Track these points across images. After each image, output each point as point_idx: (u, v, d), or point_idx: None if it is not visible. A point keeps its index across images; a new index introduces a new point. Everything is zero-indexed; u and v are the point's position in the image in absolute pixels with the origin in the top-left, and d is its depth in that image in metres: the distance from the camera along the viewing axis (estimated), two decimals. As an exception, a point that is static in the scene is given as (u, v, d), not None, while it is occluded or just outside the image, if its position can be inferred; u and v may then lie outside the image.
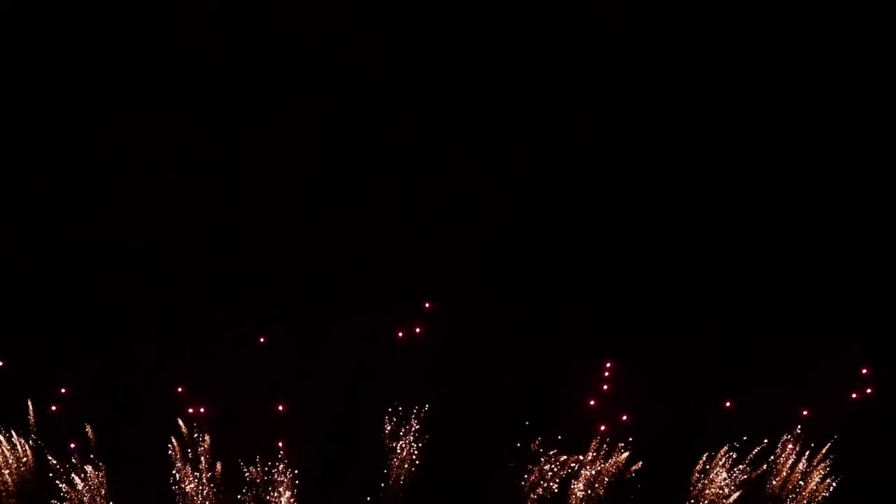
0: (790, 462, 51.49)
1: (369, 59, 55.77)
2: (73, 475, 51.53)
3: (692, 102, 54.32)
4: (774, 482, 51.51)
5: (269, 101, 55.77)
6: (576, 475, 52.13)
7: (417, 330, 53.29)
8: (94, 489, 51.58)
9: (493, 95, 55.45)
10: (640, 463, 51.98)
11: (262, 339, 53.01)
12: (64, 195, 55.09)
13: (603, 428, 51.96)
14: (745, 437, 51.61)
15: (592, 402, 52.96)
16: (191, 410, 52.17)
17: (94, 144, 55.75)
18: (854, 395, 52.23)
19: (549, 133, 55.16)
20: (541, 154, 55.06)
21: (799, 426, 51.53)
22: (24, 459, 52.47)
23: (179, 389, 52.30)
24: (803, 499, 51.51)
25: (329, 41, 55.91)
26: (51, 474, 51.92)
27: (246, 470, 52.20)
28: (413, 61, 55.64)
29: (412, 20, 55.33)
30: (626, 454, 51.99)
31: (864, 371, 52.28)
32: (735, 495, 51.26)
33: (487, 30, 55.47)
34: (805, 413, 51.75)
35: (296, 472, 52.45)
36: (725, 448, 51.47)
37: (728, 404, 52.15)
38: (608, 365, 53.43)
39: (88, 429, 51.69)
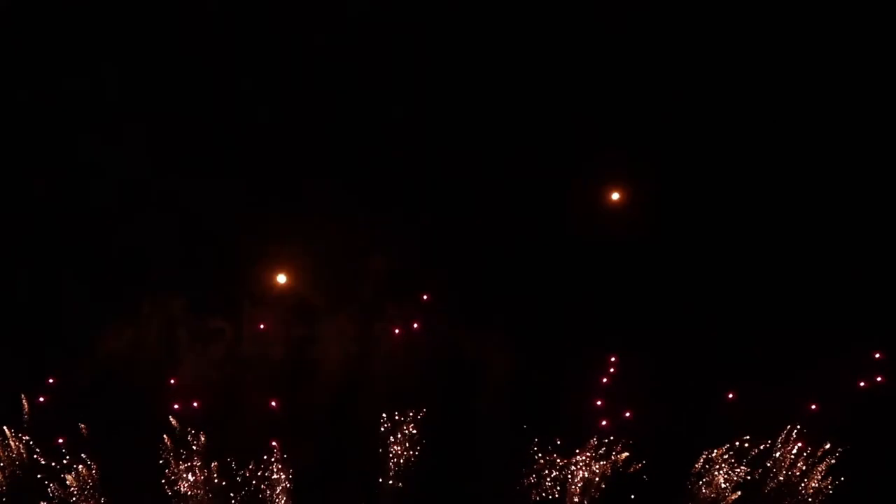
0: (794, 460, 50.94)
1: (369, 59, 55.70)
2: (63, 474, 51.17)
3: (692, 102, 54.11)
4: (776, 481, 50.91)
5: (268, 101, 55.70)
6: (574, 475, 51.69)
7: (415, 325, 53.05)
8: (85, 489, 51.05)
9: (494, 95, 55.31)
10: (640, 464, 51.59)
11: (262, 326, 52.78)
12: (62, 193, 54.96)
13: (604, 423, 51.48)
14: (747, 437, 51.19)
15: (591, 402, 52.49)
16: (177, 406, 51.77)
17: (93, 144, 55.61)
18: (862, 384, 51.42)
19: (549, 133, 54.96)
20: (541, 154, 54.83)
21: (803, 422, 50.99)
22: (18, 462, 51.98)
23: (172, 382, 52.07)
24: (808, 497, 50.88)
25: (329, 41, 55.88)
26: (39, 476, 51.44)
27: (240, 470, 51.87)
28: (413, 61, 55.55)
29: (412, 20, 55.32)
30: (625, 454, 51.55)
31: (877, 356, 51.50)
32: (735, 495, 50.71)
33: (488, 30, 55.44)
34: (812, 407, 51.19)
35: (291, 472, 52.10)
36: (726, 447, 51.03)
37: (730, 397, 51.67)
38: (607, 365, 53.03)
39: (81, 425, 51.37)
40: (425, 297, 53.44)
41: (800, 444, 51.00)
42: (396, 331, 53.41)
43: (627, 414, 51.99)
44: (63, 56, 55.66)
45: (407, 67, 55.31)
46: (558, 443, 52.02)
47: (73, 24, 55.68)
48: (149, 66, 55.61)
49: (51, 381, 52.28)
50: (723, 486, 50.63)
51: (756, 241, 53.27)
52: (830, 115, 53.11)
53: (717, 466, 50.81)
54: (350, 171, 55.18)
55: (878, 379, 51.31)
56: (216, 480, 51.77)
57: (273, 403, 52.20)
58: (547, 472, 51.79)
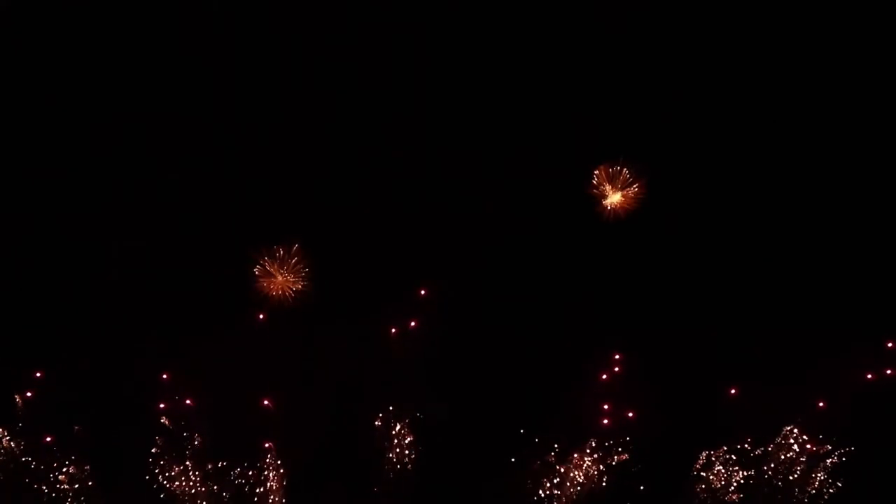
0: (796, 460, 50.14)
1: (369, 59, 55.60)
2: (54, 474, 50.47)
3: (692, 101, 53.85)
4: (778, 482, 50.10)
5: (267, 100, 55.60)
6: (572, 479, 51.07)
7: (412, 324, 52.59)
8: (77, 489, 50.32)
9: (494, 94, 55.11)
10: (638, 465, 50.94)
11: (261, 316, 51.86)
12: (59, 192, 54.74)
13: (605, 422, 50.82)
14: (748, 438, 50.54)
15: (590, 403, 51.90)
16: (162, 406, 51.09)
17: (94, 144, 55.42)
18: (870, 377, 50.15)
19: (549, 133, 54.69)
20: (541, 154, 54.54)
21: (806, 421, 50.21)
22: (12, 465, 51.36)
23: (164, 376, 51.60)
24: (809, 499, 49.99)
25: (329, 41, 55.83)
26: (27, 480, 50.73)
27: (233, 471, 51.36)
28: (413, 61, 55.43)
29: (412, 20, 55.26)
30: (624, 455, 50.89)
31: (890, 345, 50.21)
32: (736, 496, 49.94)
33: (487, 30, 55.33)
34: (819, 405, 50.35)
35: (284, 473, 51.55)
36: (724, 448, 50.30)
37: (731, 396, 50.99)
38: (606, 364, 52.48)
39: (68, 422, 50.69)
40: (422, 292, 52.83)
41: (801, 445, 50.22)
42: (393, 330, 52.90)
43: (630, 415, 51.25)
44: (63, 56, 55.78)
45: (407, 67, 55.28)
46: (556, 447, 51.46)
47: (73, 23, 55.84)
48: (148, 66, 55.70)
49: (38, 374, 51.49)
50: (722, 487, 49.86)
51: (756, 240, 52.83)
52: (831, 115, 52.75)
53: (717, 467, 50.08)
54: (349, 171, 55.11)
55: (889, 372, 50.22)
56: (210, 483, 51.27)
57: (266, 402, 51.52)
58: (544, 474, 51.17)
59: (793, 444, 49.95)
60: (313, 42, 55.57)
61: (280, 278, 52.54)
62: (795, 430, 50.29)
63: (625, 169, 51.14)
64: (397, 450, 51.69)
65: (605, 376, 52.07)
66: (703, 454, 50.46)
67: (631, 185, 51.65)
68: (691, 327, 51.66)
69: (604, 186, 51.25)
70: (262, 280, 51.43)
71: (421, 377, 52.56)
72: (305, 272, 51.89)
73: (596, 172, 51.04)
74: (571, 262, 53.44)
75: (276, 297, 51.98)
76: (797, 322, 50.95)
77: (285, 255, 51.40)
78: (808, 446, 50.24)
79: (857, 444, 49.60)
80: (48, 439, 50.41)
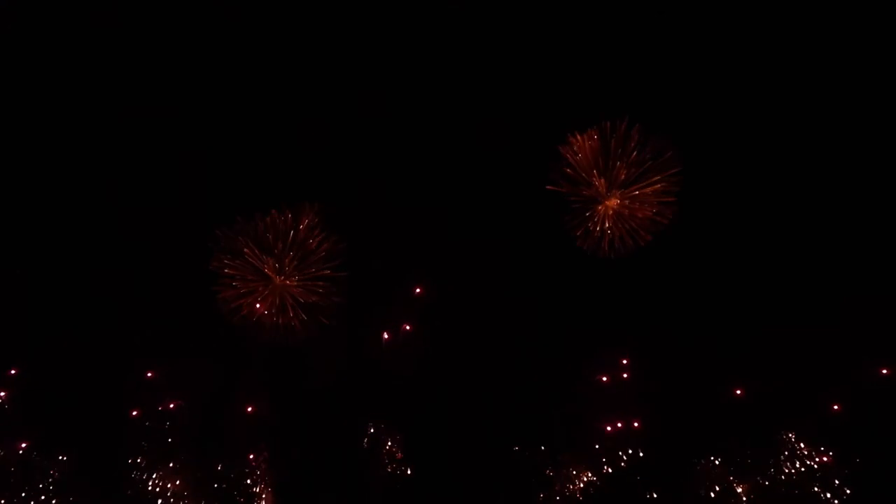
0: (799, 465, 48.26)
1: (369, 60, 54.89)
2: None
3: (691, 100, 52.60)
4: (781, 487, 48.24)
5: (266, 100, 54.94)
6: (571, 487, 49.68)
7: (407, 327, 51.41)
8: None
9: (496, 93, 54.19)
10: (639, 470, 49.42)
11: (258, 306, 44.57)
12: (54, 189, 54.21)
13: (608, 429, 49.29)
14: (749, 443, 48.93)
15: (590, 404, 50.53)
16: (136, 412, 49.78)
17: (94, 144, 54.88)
18: (885, 371, 47.17)
19: (548, 132, 53.62)
20: (540, 153, 53.47)
21: (808, 424, 48.45)
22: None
23: (149, 374, 50.61)
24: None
25: (329, 41, 55.23)
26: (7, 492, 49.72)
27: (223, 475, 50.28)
28: (413, 61, 54.69)
29: (412, 20, 54.58)
30: (622, 462, 49.31)
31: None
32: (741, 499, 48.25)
33: (487, 30, 54.52)
34: (823, 409, 48.62)
35: (273, 479, 50.43)
36: (721, 456, 48.51)
37: (732, 399, 49.36)
38: (605, 369, 51.11)
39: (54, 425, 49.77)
40: (418, 290, 51.54)
41: (800, 456, 48.44)
42: (385, 335, 51.73)
43: (622, 422, 49.81)
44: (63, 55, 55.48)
45: (405, 66, 54.52)
46: (553, 456, 50.08)
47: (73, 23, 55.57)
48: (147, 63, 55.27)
49: (13, 371, 50.29)
50: (720, 494, 48.10)
51: (757, 241, 51.29)
52: (838, 116, 51.35)
53: (719, 472, 48.39)
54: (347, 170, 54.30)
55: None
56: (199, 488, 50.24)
57: (249, 410, 50.43)
58: (540, 482, 49.82)
59: (790, 455, 48.18)
60: (313, 42, 55.01)
61: (278, 280, 44.88)
62: (794, 438, 48.46)
63: (634, 140, 31.61)
64: (388, 470, 50.40)
65: (606, 380, 50.63)
66: (701, 462, 48.76)
67: (645, 173, 36.33)
68: (690, 331, 50.26)
69: (593, 179, 34.68)
70: (241, 291, 37.71)
71: (416, 382, 51.44)
72: (332, 265, 36.38)
73: (574, 140, 31.56)
74: (569, 261, 52.17)
75: (269, 321, 39.42)
76: (797, 326, 49.32)
77: (289, 229, 32.85)
78: (813, 460, 48.48)
79: (856, 453, 47.74)
80: (24, 445, 49.39)
